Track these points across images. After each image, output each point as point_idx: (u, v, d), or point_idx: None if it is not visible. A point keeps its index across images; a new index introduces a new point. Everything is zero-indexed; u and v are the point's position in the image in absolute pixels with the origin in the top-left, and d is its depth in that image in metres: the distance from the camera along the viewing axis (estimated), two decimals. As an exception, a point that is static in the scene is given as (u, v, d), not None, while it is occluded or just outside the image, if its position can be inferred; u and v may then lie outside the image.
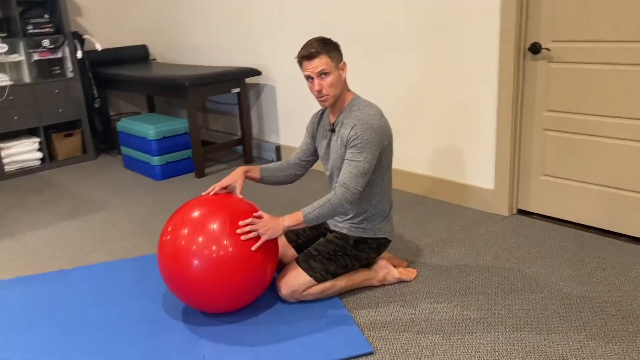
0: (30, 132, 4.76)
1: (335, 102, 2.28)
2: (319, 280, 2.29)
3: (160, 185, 4.10)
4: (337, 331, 2.12)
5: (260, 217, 2.19)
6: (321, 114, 2.45)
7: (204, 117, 5.33)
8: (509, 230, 2.96)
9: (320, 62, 2.16)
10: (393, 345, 2.04)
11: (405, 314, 2.24)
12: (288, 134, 4.43)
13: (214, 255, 2.05)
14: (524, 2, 2.82)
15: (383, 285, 2.47)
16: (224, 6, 4.59)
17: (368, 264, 2.47)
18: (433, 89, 3.31)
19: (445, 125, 3.31)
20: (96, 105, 4.95)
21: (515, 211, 3.18)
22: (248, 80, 4.61)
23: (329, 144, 2.36)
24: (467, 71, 3.11)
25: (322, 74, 2.18)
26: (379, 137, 2.21)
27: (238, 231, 2.10)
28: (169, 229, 2.16)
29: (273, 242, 2.24)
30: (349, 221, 2.36)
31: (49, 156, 4.81)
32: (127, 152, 4.52)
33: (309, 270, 2.28)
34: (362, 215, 2.34)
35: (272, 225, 2.17)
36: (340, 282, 2.35)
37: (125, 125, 4.43)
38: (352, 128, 2.20)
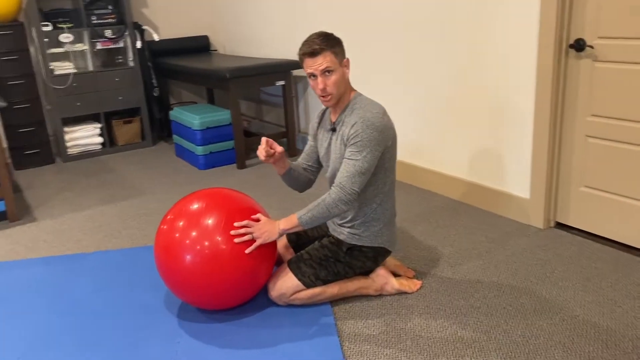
0: (94, 118, 5.03)
1: (338, 101, 2.17)
2: (308, 285, 2.20)
3: (202, 175, 4.18)
4: (316, 340, 2.03)
5: (257, 220, 2.14)
6: (322, 113, 2.35)
7: (258, 109, 5.36)
8: (538, 245, 2.70)
9: (324, 60, 2.05)
10: (369, 362, 1.92)
11: (394, 328, 2.10)
12: (332, 129, 4.33)
13: (206, 251, 2.03)
14: (567, -6, 2.55)
15: (381, 295, 2.34)
16: (277, -3, 4.57)
17: (366, 273, 2.35)
18: (469, 87, 3.09)
19: (482, 127, 3.08)
20: (155, 94, 5.12)
21: (552, 224, 2.90)
22: (297, 72, 4.57)
23: (329, 144, 2.26)
24: (505, 68, 2.86)
25: (327, 71, 2.06)
26: (381, 137, 2.07)
27: (232, 232, 2.06)
28: (168, 217, 2.16)
29: (270, 244, 2.18)
30: (347, 225, 2.25)
31: (110, 141, 5.05)
32: (178, 140, 4.65)
33: (298, 274, 2.20)
34: (361, 219, 2.21)
35: (268, 229, 2.11)
36: (332, 289, 2.25)
37: (176, 114, 4.55)
38: (352, 126, 2.08)
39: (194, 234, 2.05)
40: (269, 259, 2.19)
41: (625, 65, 2.43)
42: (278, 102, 4.99)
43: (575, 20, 2.57)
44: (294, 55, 4.56)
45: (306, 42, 2.06)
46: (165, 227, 2.14)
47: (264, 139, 2.21)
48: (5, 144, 4.87)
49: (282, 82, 4.27)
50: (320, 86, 2.07)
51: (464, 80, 3.11)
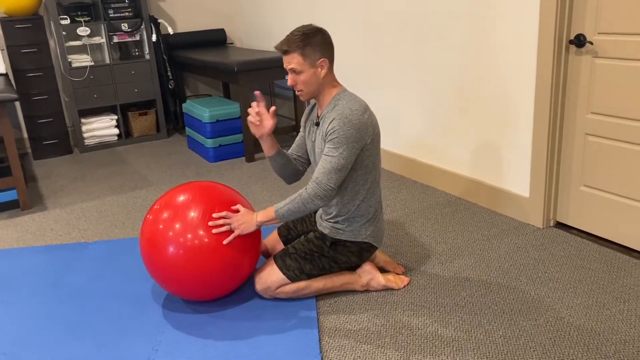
0: (110, 110, 5.13)
1: (319, 97, 2.19)
2: (292, 279, 2.22)
3: (210, 167, 4.23)
4: (295, 334, 2.05)
5: (236, 211, 2.17)
6: (312, 107, 2.36)
7: (272, 102, 5.38)
8: (534, 244, 2.66)
9: (291, 60, 2.10)
10: (345, 357, 1.93)
11: (375, 324, 2.11)
12: (341, 123, 4.33)
13: (188, 243, 2.06)
14: (568, -12, 2.48)
15: (367, 291, 2.34)
16: (290, -9, 4.57)
17: (352, 268, 2.35)
18: (470, 84, 3.04)
19: (483, 124, 3.03)
20: (170, 87, 5.20)
21: (552, 223, 2.85)
22: (307, 66, 4.57)
23: (314, 139, 2.27)
24: (505, 64, 2.81)
25: (294, 71, 2.11)
26: (359, 134, 2.07)
27: (210, 223, 2.09)
28: (155, 207, 2.20)
29: (254, 236, 2.20)
30: (331, 220, 2.26)
31: (125, 133, 5.16)
32: (190, 133, 4.71)
33: (282, 268, 2.22)
34: (344, 216, 2.22)
35: (246, 220, 2.13)
36: (317, 284, 2.26)
37: (188, 107, 4.61)
38: (330, 122, 2.09)
39: (176, 226, 2.09)
40: (252, 251, 2.21)
41: (626, 62, 2.36)
42: (290, 96, 5.00)
43: (576, 16, 2.51)
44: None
45: (284, 38, 2.09)
46: (150, 217, 2.18)
47: (254, 103, 2.25)
48: (25, 135, 5.02)
49: (291, 76, 4.28)
50: (289, 82, 2.14)
51: (464, 76, 3.07)
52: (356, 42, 3.89)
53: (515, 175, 2.91)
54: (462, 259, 2.58)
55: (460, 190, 3.28)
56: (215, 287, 2.16)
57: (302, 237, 2.32)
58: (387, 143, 3.84)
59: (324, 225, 2.29)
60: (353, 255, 2.26)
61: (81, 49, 4.87)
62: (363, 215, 2.23)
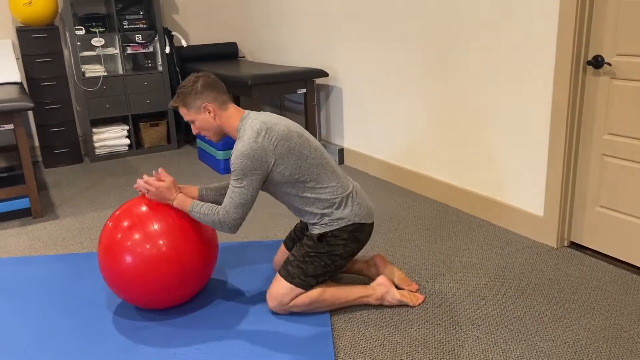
0: (122, 120, 5.16)
1: (229, 134, 2.27)
2: (300, 285, 2.20)
3: (220, 179, 4.23)
4: (309, 350, 2.03)
5: (162, 181, 2.26)
6: None
7: (282, 115, 5.40)
8: (549, 264, 2.64)
9: (182, 113, 2.26)
10: (361, 374, 1.91)
11: (391, 341, 2.09)
12: (352, 138, 4.35)
13: (137, 249, 2.14)
14: (586, 8, 2.49)
15: (382, 305, 2.32)
16: (308, 7, 4.60)
17: (355, 255, 2.30)
18: (486, 102, 3.05)
19: (497, 141, 3.04)
20: (182, 98, 5.22)
21: (567, 244, 2.83)
22: (319, 81, 4.59)
23: None
24: (522, 83, 2.82)
25: (189, 121, 2.27)
26: (254, 162, 2.10)
27: (135, 186, 2.31)
28: (117, 213, 2.28)
29: (208, 239, 2.29)
30: (311, 224, 2.29)
31: (136, 143, 5.18)
32: (201, 144, 4.73)
33: (287, 277, 2.22)
34: (322, 219, 2.23)
35: (164, 195, 2.26)
36: (331, 292, 2.24)
37: (200, 119, 4.63)
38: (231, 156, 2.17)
39: (137, 235, 2.17)
40: (207, 249, 2.29)
41: (644, 83, 2.37)
42: (301, 110, 5.02)
43: (594, 37, 2.52)
44: (317, 64, 4.59)
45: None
46: (110, 224, 2.26)
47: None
48: (36, 143, 5.05)
49: (303, 90, 4.31)
50: (193, 131, 2.29)
51: (480, 95, 3.08)
52: (367, 56, 3.91)
53: (529, 194, 2.91)
54: (477, 277, 2.56)
55: (473, 207, 3.27)
56: (165, 295, 2.21)
57: (297, 243, 2.31)
58: (401, 159, 3.85)
59: (311, 228, 2.29)
60: (348, 241, 2.22)
61: (95, 59, 4.91)
62: (332, 210, 2.21)
